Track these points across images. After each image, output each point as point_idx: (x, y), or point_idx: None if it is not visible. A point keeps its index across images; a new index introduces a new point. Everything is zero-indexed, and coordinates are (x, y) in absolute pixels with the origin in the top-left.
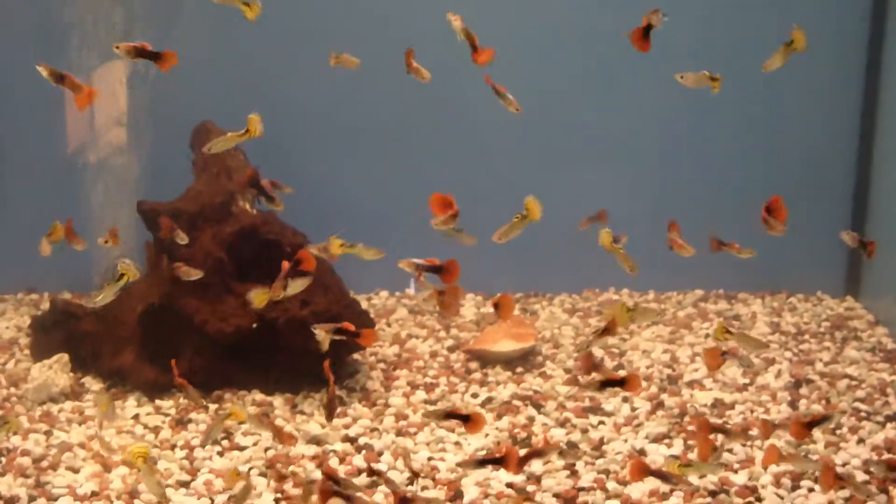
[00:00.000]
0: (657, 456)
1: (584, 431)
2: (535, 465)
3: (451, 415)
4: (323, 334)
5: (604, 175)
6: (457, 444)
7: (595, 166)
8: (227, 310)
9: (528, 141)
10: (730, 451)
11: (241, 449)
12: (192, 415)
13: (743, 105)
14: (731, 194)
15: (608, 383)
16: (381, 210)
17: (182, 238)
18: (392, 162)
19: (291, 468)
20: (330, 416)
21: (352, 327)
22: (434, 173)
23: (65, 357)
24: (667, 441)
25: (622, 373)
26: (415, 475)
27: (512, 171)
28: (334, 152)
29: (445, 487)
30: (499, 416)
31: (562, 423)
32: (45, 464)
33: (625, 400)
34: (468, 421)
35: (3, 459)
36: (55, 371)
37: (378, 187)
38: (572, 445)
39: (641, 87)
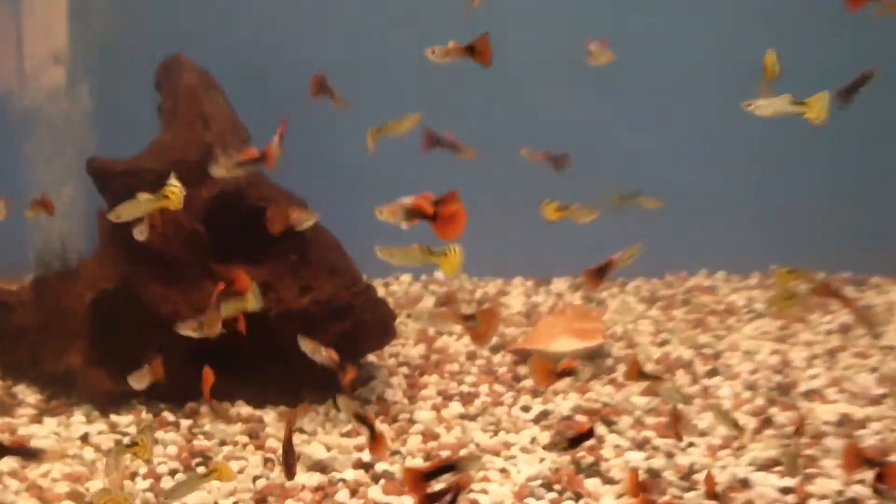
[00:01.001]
0: (766, 488)
1: (670, 456)
2: (607, 500)
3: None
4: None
5: (687, 146)
6: (503, 471)
7: (676, 135)
8: (204, 298)
9: (598, 107)
10: (861, 482)
11: None
12: (160, 433)
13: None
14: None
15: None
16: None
17: (306, 218)
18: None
19: (288, 502)
20: (289, 471)
21: None
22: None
23: None
24: (779, 469)
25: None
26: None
27: (582, 137)
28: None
29: None
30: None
31: (640, 445)
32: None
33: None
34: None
35: None
36: None
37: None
38: (655, 474)
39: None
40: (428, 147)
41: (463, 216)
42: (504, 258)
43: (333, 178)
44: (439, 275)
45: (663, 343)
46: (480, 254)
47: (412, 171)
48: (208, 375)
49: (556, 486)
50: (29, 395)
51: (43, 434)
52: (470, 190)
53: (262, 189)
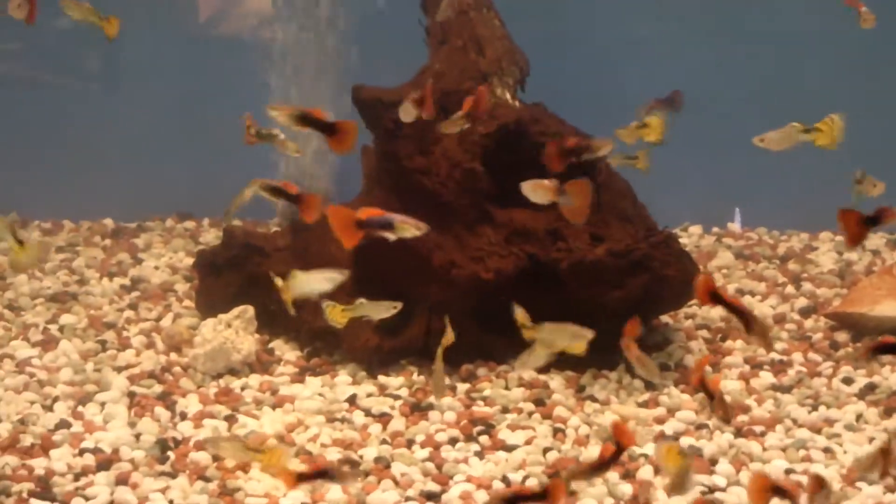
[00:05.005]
0: None
1: None
2: None
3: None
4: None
5: None
6: (827, 451)
7: None
8: (482, 246)
9: None
10: None
11: (510, 449)
12: (434, 398)
13: None
14: None
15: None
16: None
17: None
18: None
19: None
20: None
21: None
22: None
23: (249, 311)
24: None
25: None
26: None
27: None
28: None
29: None
30: (888, 413)
31: None
32: (230, 462)
33: None
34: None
35: (172, 455)
36: (235, 331)
37: None
38: None
39: None
40: None
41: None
42: (809, 209)
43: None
44: (735, 226)
45: None
46: (782, 205)
47: (708, 119)
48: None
49: (892, 471)
50: (287, 352)
51: (307, 395)
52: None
53: (548, 124)
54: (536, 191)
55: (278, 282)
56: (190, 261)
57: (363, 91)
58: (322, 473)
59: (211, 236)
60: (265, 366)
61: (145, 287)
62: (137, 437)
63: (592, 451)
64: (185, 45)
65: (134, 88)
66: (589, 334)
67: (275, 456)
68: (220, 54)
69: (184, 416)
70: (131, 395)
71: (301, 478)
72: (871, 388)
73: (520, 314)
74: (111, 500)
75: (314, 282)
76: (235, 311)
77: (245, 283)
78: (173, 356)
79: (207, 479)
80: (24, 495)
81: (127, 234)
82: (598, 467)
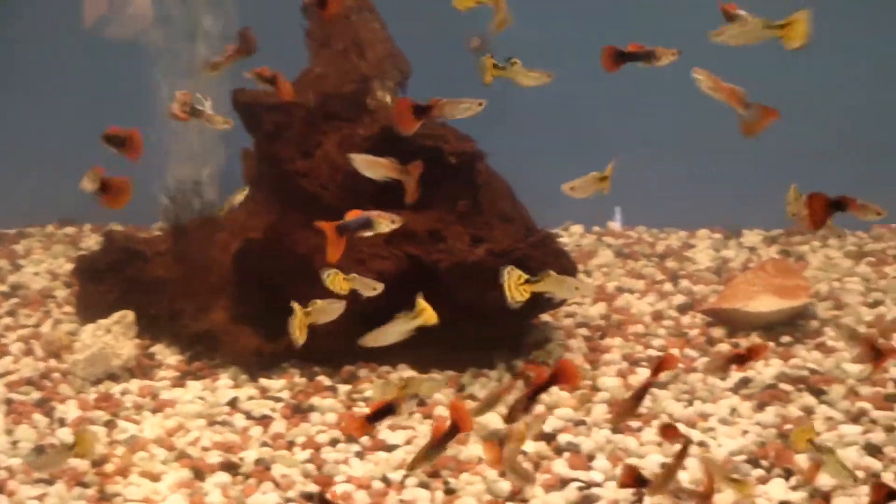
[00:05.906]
0: None
1: (890, 430)
2: (824, 479)
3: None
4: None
5: None
6: (701, 445)
7: None
8: (363, 248)
9: None
10: None
11: (390, 449)
12: (315, 399)
13: None
14: None
15: None
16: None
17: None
18: None
19: (464, 476)
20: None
21: None
22: None
23: (129, 316)
24: None
25: None
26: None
27: None
28: None
29: None
30: (761, 407)
31: (854, 418)
32: (109, 467)
33: None
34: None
35: None
36: (115, 336)
37: None
38: (874, 451)
39: None
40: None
41: None
42: (687, 208)
43: (506, 119)
44: (615, 225)
45: (876, 304)
46: (661, 203)
47: (589, 119)
48: None
49: (763, 462)
50: (168, 356)
51: (187, 399)
52: (652, 136)
53: (429, 127)
54: (372, 167)
55: (299, 310)
56: (70, 266)
57: (243, 94)
58: (384, 411)
59: (92, 242)
60: (146, 370)
61: (24, 293)
62: (14, 444)
63: (472, 450)
64: (70, 48)
65: (17, 93)
66: (591, 287)
67: (87, 440)
68: (105, 58)
69: (63, 423)
70: (9, 402)
71: (369, 421)
72: (744, 382)
73: (513, 273)
74: None
75: (332, 309)
76: (115, 315)
77: (126, 287)
78: (52, 362)
79: (85, 485)
80: None
81: (6, 240)
82: (434, 447)
